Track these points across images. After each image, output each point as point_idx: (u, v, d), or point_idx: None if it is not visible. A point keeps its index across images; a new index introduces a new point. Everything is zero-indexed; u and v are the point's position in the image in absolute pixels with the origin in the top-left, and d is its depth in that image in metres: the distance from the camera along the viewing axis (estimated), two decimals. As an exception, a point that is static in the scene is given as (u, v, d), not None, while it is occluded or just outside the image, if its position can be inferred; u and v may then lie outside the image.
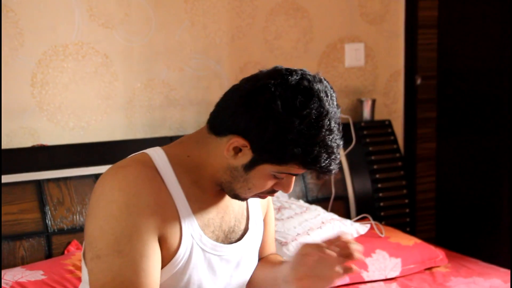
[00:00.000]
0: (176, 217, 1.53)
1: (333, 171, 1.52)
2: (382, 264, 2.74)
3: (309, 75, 1.51)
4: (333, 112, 1.48)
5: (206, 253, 1.58)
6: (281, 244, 2.66)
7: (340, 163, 1.55)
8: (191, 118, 3.08)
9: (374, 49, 3.44)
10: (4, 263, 2.53)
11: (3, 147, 2.70)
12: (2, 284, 2.32)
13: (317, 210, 2.87)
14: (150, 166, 1.54)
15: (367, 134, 3.28)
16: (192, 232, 1.55)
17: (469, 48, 3.59)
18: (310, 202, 3.03)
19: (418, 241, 2.94)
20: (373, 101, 3.36)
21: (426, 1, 3.50)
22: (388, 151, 3.32)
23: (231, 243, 1.65)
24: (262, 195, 1.61)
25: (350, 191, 3.23)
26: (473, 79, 3.60)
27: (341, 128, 1.53)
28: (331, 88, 1.52)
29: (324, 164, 1.48)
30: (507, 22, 3.51)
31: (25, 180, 2.61)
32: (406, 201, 3.33)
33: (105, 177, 1.51)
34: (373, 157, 3.27)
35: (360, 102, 3.35)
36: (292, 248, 2.63)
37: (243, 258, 1.69)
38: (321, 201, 3.09)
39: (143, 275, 1.45)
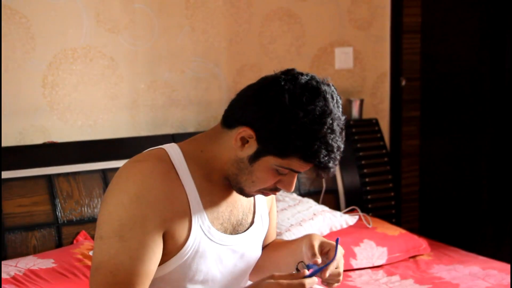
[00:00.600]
0: (187, 210, 1.54)
1: (331, 169, 1.52)
2: (369, 252, 2.75)
3: (318, 78, 1.52)
4: (336, 114, 1.49)
5: (214, 244, 1.58)
6: (276, 234, 2.64)
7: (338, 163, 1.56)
8: (191, 117, 3.09)
9: (362, 52, 3.43)
10: (17, 252, 2.53)
11: (16, 144, 2.70)
12: (16, 272, 2.32)
13: (309, 202, 2.86)
14: (166, 161, 1.55)
15: (356, 132, 3.28)
16: (202, 224, 1.56)
17: (450, 52, 3.62)
18: (303, 195, 3.04)
19: (403, 231, 2.95)
20: (361, 101, 3.35)
21: (410, 8, 3.49)
22: (375, 147, 3.32)
23: (237, 234, 1.66)
24: (265, 191, 1.59)
25: (339, 185, 3.22)
26: (454, 81, 3.63)
27: (344, 133, 1.53)
28: (338, 94, 1.53)
29: (323, 160, 1.48)
30: (485, 28, 3.54)
31: (37, 174, 2.61)
32: (392, 194, 3.33)
33: (123, 169, 1.53)
34: (361, 153, 3.27)
35: (349, 102, 3.35)
36: (286, 238, 2.59)
37: (248, 249, 1.68)
38: (313, 194, 3.09)
39: (137, 263, 1.46)
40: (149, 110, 2.98)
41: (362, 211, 3.06)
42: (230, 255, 1.63)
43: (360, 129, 3.30)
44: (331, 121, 1.47)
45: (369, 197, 3.25)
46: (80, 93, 2.83)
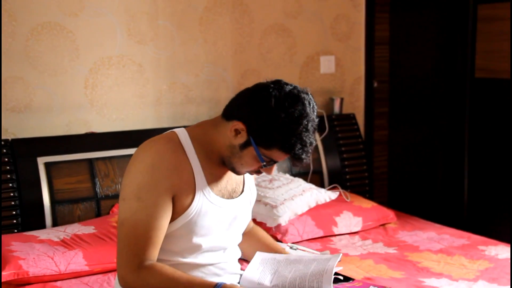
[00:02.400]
0: (192, 179, 1.59)
1: (304, 160, 1.58)
2: (348, 221, 2.76)
3: (300, 88, 1.59)
4: (311, 117, 1.56)
5: (213, 205, 1.63)
6: (272, 207, 2.65)
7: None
8: (204, 112, 3.08)
9: (342, 60, 3.43)
10: (65, 220, 2.56)
11: (63, 134, 2.72)
12: (64, 236, 2.34)
13: (299, 181, 2.87)
14: (175, 141, 1.60)
15: (337, 124, 3.28)
16: (203, 190, 1.61)
17: (412, 59, 3.63)
18: (294, 175, 3.04)
19: (374, 204, 2.96)
20: (341, 99, 3.36)
21: (380, 25, 3.48)
22: (352, 137, 3.31)
23: (232, 199, 1.71)
24: (251, 172, 1.66)
25: (324, 167, 3.21)
26: (416, 82, 3.65)
27: (315, 132, 1.61)
28: (315, 102, 1.59)
29: (297, 152, 1.54)
30: (440, 40, 3.55)
31: (80, 158, 2.63)
32: (366, 174, 3.34)
33: (141, 147, 1.60)
34: (341, 142, 3.27)
35: (332, 100, 3.35)
36: (281, 210, 2.63)
37: (240, 212, 1.73)
38: (302, 175, 3.09)
39: (152, 219, 1.52)
40: (170, 106, 2.98)
41: (342, 188, 3.08)
42: (226, 215, 1.68)
43: (340, 122, 3.30)
44: (306, 122, 1.54)
45: (347, 176, 3.25)
46: (115, 92, 2.84)
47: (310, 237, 2.66)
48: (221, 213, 1.67)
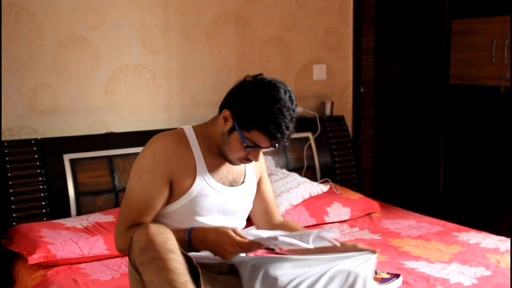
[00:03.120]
0: (193, 166, 1.64)
1: (280, 142, 1.59)
2: (337, 211, 2.77)
3: (279, 80, 1.63)
4: (287, 104, 1.57)
5: (213, 190, 1.66)
6: None
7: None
8: (210, 114, 2.85)
9: (333, 68, 3.41)
10: (87, 210, 2.55)
11: (86, 133, 2.70)
12: (87, 224, 2.34)
13: (295, 175, 2.85)
14: (181, 134, 1.68)
15: (328, 125, 3.27)
16: (204, 175, 1.65)
17: (395, 68, 3.61)
18: (290, 170, 3.03)
19: (361, 196, 2.96)
20: (332, 103, 3.34)
21: (366, 37, 3.47)
22: (342, 136, 3.30)
23: (233, 187, 1.73)
24: (241, 160, 1.65)
25: (316, 163, 3.19)
26: (398, 89, 3.63)
27: (294, 121, 1.59)
28: (294, 95, 1.61)
29: (272, 131, 1.56)
30: (421, 51, 3.57)
31: (101, 155, 2.63)
32: (354, 169, 3.32)
33: (150, 140, 1.67)
34: (332, 140, 3.25)
35: (323, 104, 3.34)
36: (278, 201, 2.60)
37: (240, 200, 1.74)
38: (297, 170, 3.08)
39: (147, 196, 1.60)
40: (180, 109, 2.97)
41: (332, 181, 3.07)
42: (226, 200, 1.69)
43: (331, 123, 3.29)
44: (280, 106, 1.55)
45: (337, 171, 3.24)
46: (131, 97, 2.84)
47: (304, 225, 2.63)
48: (221, 197, 1.68)
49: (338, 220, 2.76)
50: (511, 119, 3.09)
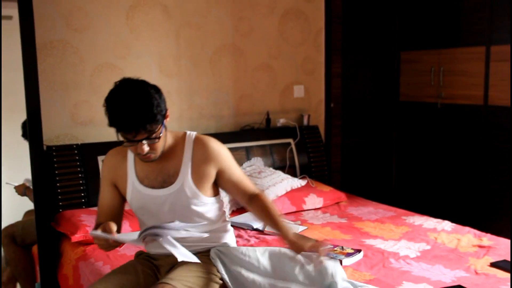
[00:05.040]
0: (125, 174, 1.54)
1: (128, 129, 1.35)
2: (313, 200, 2.77)
3: (135, 78, 1.42)
4: (118, 93, 1.37)
5: (140, 193, 1.53)
6: (259, 190, 2.59)
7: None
8: (212, 125, 3.05)
9: (309, 88, 3.40)
10: None
11: (115, 140, 2.63)
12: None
13: (279, 173, 2.84)
14: (122, 149, 1.56)
15: (306, 133, 3.25)
16: (133, 181, 1.53)
17: (358, 88, 3.59)
18: (276, 168, 3.02)
19: (332, 188, 2.94)
20: (309, 115, 3.34)
21: (335, 64, 3.48)
22: (316, 141, 3.28)
23: (162, 188, 1.54)
24: (139, 156, 1.45)
25: (296, 162, 3.17)
26: (361, 105, 3.60)
27: (131, 104, 1.34)
28: (152, 87, 1.41)
29: (114, 124, 1.37)
30: (378, 75, 3.60)
31: None
32: (326, 168, 3.30)
33: None
34: (308, 145, 3.24)
35: (302, 116, 3.33)
36: (267, 193, 2.55)
37: (171, 198, 1.51)
38: (281, 168, 3.07)
39: (103, 200, 1.57)
40: (189, 120, 2.95)
41: (309, 177, 3.07)
42: (157, 200, 1.51)
43: (308, 131, 3.27)
44: (110, 99, 1.36)
45: (313, 169, 3.22)
46: None
47: (286, 212, 2.64)
48: (150, 198, 1.51)
49: (313, 207, 2.75)
50: (445, 127, 3.10)
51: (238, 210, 2.63)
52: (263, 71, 3.24)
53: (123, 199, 1.59)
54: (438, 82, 3.07)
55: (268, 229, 2.28)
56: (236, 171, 1.59)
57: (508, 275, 1.79)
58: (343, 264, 1.89)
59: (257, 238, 2.22)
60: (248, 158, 3.00)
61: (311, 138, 3.28)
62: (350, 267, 1.89)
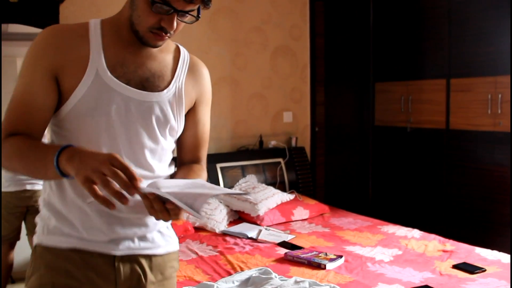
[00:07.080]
0: (86, 58, 0.92)
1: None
2: (300, 212, 2.76)
3: None
4: None
5: (108, 87, 0.92)
6: (254, 204, 2.58)
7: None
8: (212, 146, 3.03)
9: (297, 114, 3.42)
10: None
11: None
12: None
13: (271, 188, 2.83)
14: (80, 25, 0.96)
15: (294, 153, 3.25)
16: (98, 69, 0.92)
17: (339, 115, 3.58)
18: (268, 184, 3.03)
19: (316, 202, 2.93)
20: (296, 138, 3.34)
21: (319, 93, 3.49)
22: (303, 161, 3.28)
23: (144, 90, 0.95)
24: (154, 31, 0.91)
25: (286, 179, 3.18)
26: (341, 128, 3.59)
27: None
28: None
29: None
30: (358, 103, 3.52)
31: None
32: (311, 184, 3.29)
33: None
34: (296, 164, 3.23)
35: (290, 138, 3.33)
36: (259, 206, 2.55)
37: (151, 109, 0.95)
38: (273, 184, 3.08)
39: (28, 95, 0.91)
40: None
41: (297, 192, 3.08)
42: (126, 105, 0.94)
43: (296, 152, 3.26)
44: None
45: (300, 185, 3.22)
46: None
47: (277, 222, 2.64)
48: (120, 100, 0.93)
49: (300, 218, 2.74)
50: (414, 148, 3.13)
51: (234, 220, 2.66)
52: (256, 100, 3.27)
53: (57, 101, 0.94)
54: (407, 109, 3.13)
55: (261, 237, 2.31)
56: (205, 121, 1.08)
57: (468, 275, 1.85)
58: (326, 268, 1.92)
59: (251, 246, 2.25)
60: (244, 175, 3.03)
61: (298, 157, 3.29)
62: (333, 270, 1.90)
